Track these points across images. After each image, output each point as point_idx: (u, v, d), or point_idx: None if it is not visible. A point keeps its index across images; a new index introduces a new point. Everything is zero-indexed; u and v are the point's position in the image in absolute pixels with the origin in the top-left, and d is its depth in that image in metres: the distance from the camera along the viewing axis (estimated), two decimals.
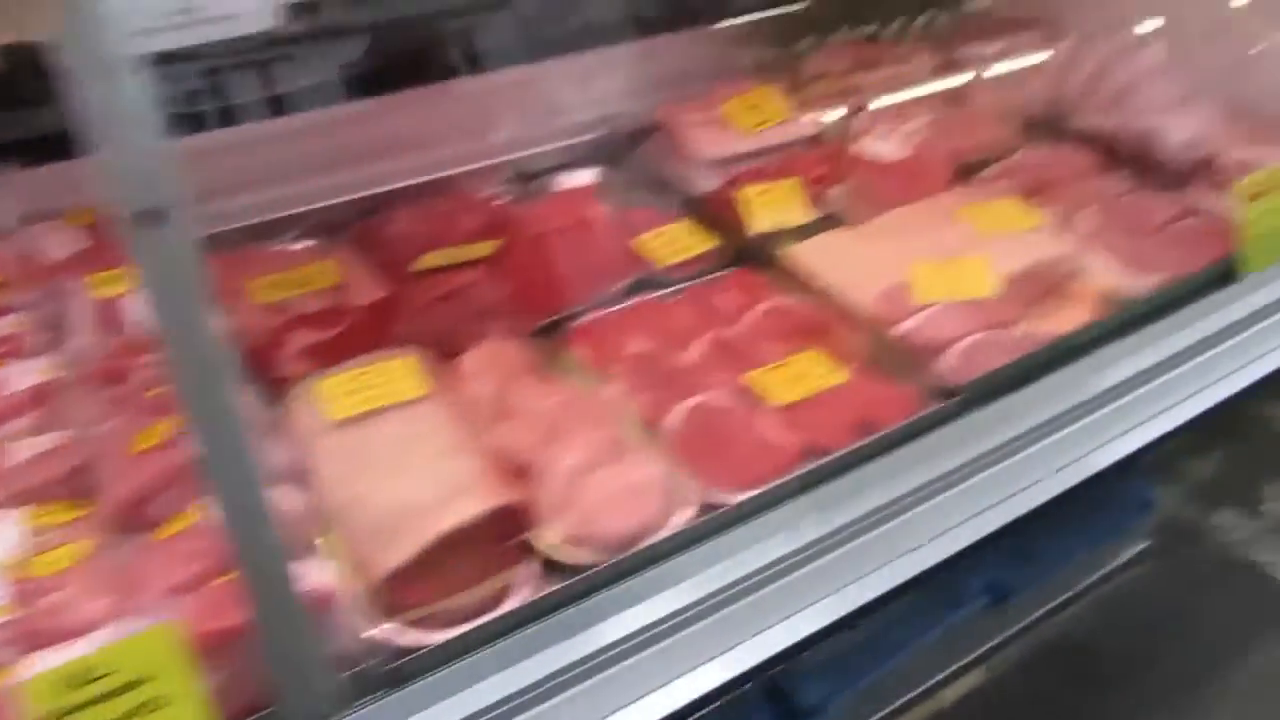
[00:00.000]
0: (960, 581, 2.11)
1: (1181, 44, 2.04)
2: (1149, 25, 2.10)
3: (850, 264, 1.54)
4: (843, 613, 1.23)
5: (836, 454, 1.25)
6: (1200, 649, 2.24)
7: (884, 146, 1.76)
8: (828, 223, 1.73)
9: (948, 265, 1.48)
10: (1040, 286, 1.52)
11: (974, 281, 1.45)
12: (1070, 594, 2.30)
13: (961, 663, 2.17)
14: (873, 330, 1.44)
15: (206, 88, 1.72)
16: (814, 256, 1.58)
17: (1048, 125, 1.99)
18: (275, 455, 1.15)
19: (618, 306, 1.54)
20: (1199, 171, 1.77)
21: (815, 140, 1.95)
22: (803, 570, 1.21)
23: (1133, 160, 1.91)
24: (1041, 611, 2.25)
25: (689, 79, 2.07)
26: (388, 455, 1.17)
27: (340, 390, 1.23)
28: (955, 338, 1.38)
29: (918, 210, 1.64)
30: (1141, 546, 2.35)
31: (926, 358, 1.39)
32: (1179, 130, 1.81)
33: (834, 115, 1.99)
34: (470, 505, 1.10)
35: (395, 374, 1.26)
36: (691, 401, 1.32)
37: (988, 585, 2.10)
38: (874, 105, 1.97)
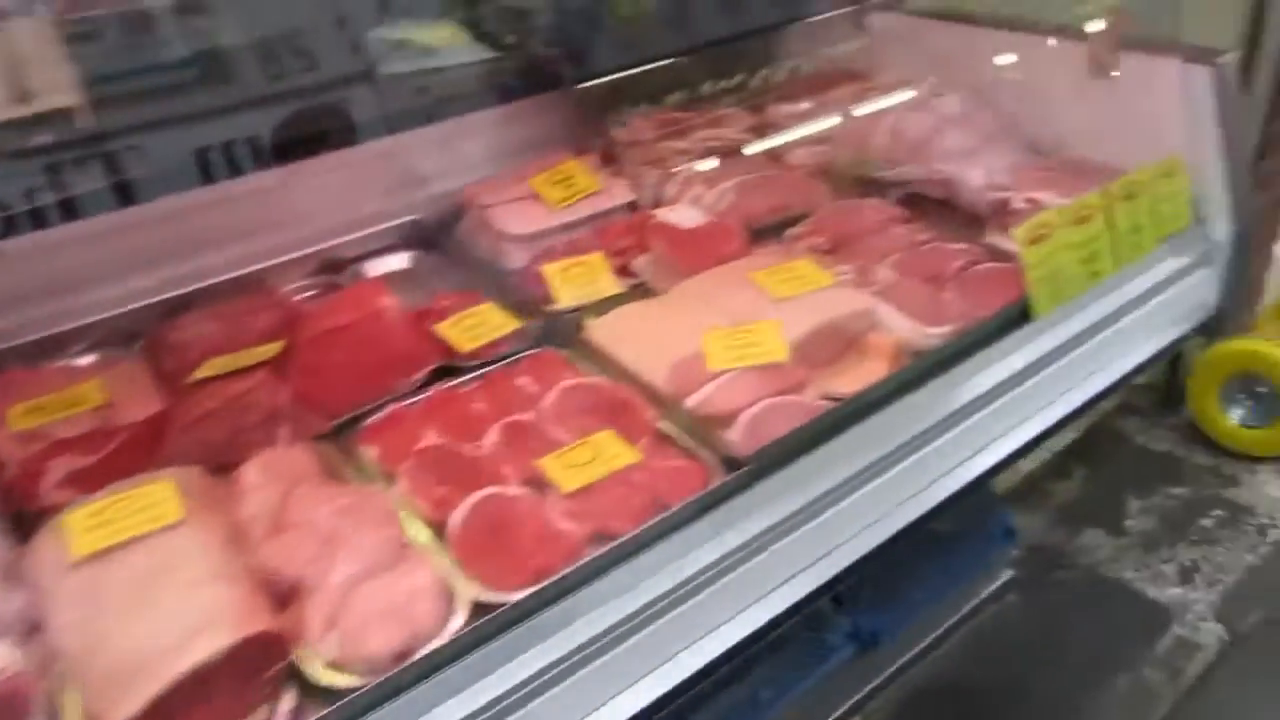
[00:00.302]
0: (825, 632, 2.10)
1: (983, 92, 2.11)
2: (951, 75, 2.16)
3: (646, 337, 1.53)
4: (637, 709, 1.20)
5: (623, 538, 1.22)
6: (1073, 673, 2.25)
7: (682, 214, 1.76)
8: (636, 294, 1.72)
9: (739, 332, 1.47)
10: (835, 344, 1.53)
11: (765, 346, 1.44)
12: (940, 632, 2.30)
13: (836, 714, 2.15)
14: (666, 404, 1.42)
15: None
16: (611, 331, 1.56)
17: (856, 179, 2.03)
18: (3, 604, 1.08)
19: (414, 399, 1.50)
20: (996, 215, 1.82)
21: (630, 209, 1.95)
22: (588, 666, 1.17)
23: (938, 208, 1.95)
24: (913, 653, 2.24)
25: (507, 154, 2.07)
26: (132, 591, 1.10)
27: (87, 523, 1.16)
28: (743, 406, 1.37)
29: (714, 276, 1.63)
30: (1007, 577, 2.37)
31: (717, 429, 1.37)
32: (974, 175, 1.85)
33: (647, 183, 2.00)
34: (212, 641, 1.03)
35: (150, 499, 1.20)
36: (477, 495, 1.28)
37: (852, 633, 2.08)
38: (685, 171, 1.98)
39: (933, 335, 1.53)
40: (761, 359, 1.43)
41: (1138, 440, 2.83)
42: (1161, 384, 2.89)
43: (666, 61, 2.19)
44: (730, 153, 2.08)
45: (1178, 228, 1.80)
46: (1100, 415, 2.89)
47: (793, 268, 1.61)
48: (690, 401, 1.39)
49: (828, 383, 1.47)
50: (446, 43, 2.03)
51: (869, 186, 2.02)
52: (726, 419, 1.37)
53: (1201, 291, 1.86)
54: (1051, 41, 2.02)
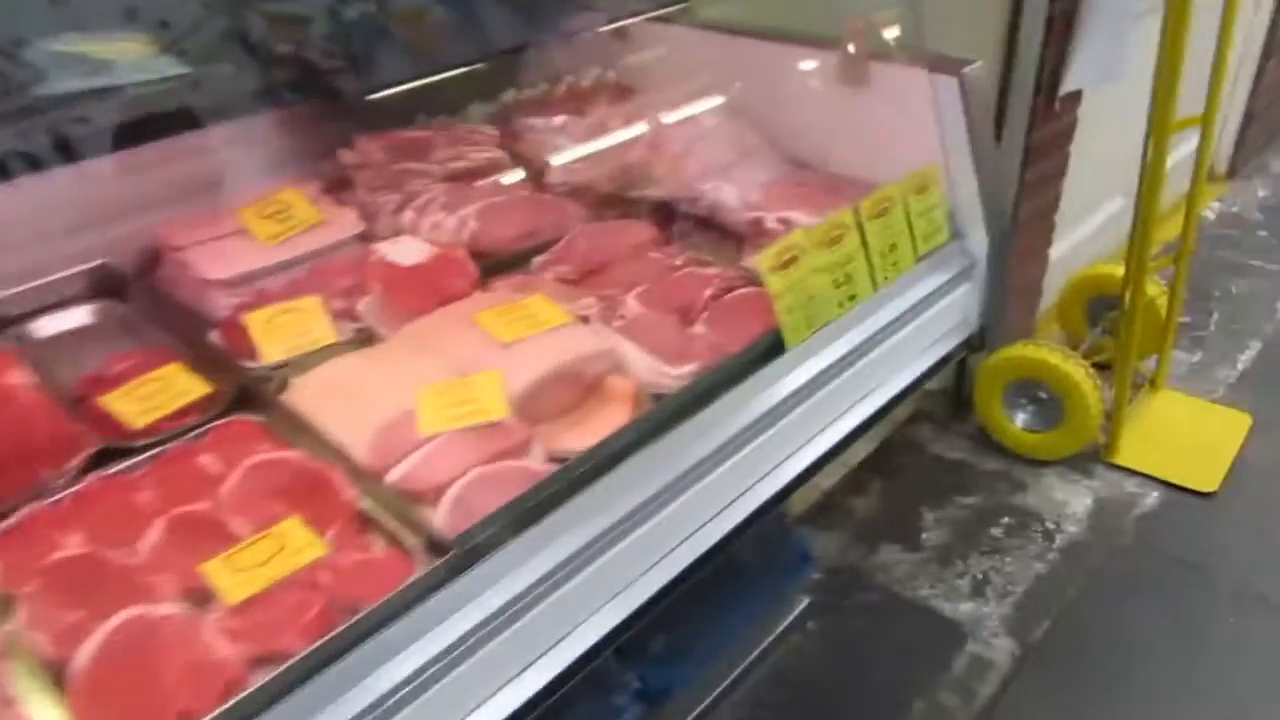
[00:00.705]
0: (611, 692, 1.94)
1: (745, 104, 2.00)
2: (714, 87, 2.05)
3: (354, 396, 1.32)
4: None
5: (295, 659, 1.01)
6: (873, 703, 2.18)
7: (406, 248, 1.55)
8: (359, 342, 1.50)
9: (456, 386, 1.29)
10: (570, 391, 1.36)
11: (482, 402, 1.26)
12: (738, 673, 2.18)
13: None
14: (367, 479, 1.21)
15: None
16: (315, 391, 1.34)
17: (614, 199, 1.88)
18: None
19: (60, 496, 1.23)
20: (752, 236, 1.70)
21: (361, 241, 1.73)
22: None
23: (703, 226, 1.83)
24: (709, 700, 2.12)
25: (225, 183, 1.80)
26: None
27: None
28: (450, 478, 1.18)
29: (439, 320, 1.44)
30: (805, 604, 2.28)
31: (423, 507, 1.18)
32: (729, 193, 1.73)
33: (383, 212, 1.78)
34: None
35: None
36: (114, 621, 1.04)
37: (640, 691, 1.93)
38: (423, 196, 1.78)
39: (677, 376, 1.39)
40: (478, 417, 1.24)
41: (932, 449, 2.83)
42: (952, 391, 2.91)
43: (418, 83, 2.00)
44: (477, 174, 1.90)
45: (936, 243, 1.74)
46: (895, 425, 2.87)
47: (525, 306, 1.43)
48: (392, 476, 1.19)
49: (559, 438, 1.30)
50: (131, 56, 1.75)
51: (629, 206, 1.88)
52: (432, 495, 1.17)
53: (964, 307, 1.81)
54: (811, 52, 1.94)
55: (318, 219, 1.70)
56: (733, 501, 1.39)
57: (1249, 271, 3.76)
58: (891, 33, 1.82)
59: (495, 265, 1.71)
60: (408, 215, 1.76)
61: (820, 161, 1.93)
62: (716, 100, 2.00)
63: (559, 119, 2.00)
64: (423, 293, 1.49)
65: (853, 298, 1.57)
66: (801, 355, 1.48)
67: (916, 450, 2.83)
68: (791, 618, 2.26)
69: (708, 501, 1.36)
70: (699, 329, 1.49)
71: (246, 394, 1.39)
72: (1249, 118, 4.38)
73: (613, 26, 2.26)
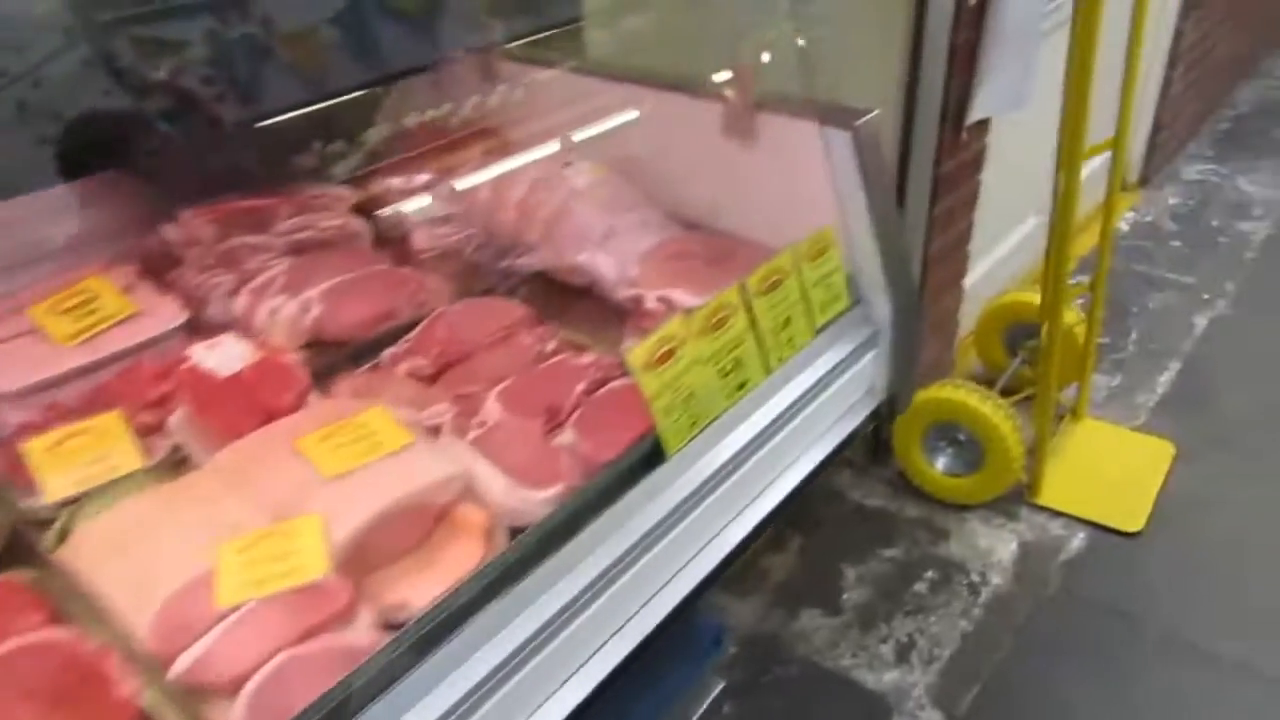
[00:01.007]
0: None
1: (631, 158, 1.82)
2: (596, 140, 1.86)
3: (143, 552, 1.10)
4: None
5: None
6: None
7: (224, 352, 1.33)
8: (169, 469, 1.28)
9: (267, 539, 1.08)
10: (412, 530, 1.16)
11: (298, 559, 1.05)
12: None
13: None
14: (149, 669, 1.00)
15: None
16: (97, 543, 1.12)
17: (484, 270, 1.69)
18: None
19: None
20: (633, 316, 1.52)
21: (185, 335, 1.50)
22: None
23: (582, 297, 1.65)
24: None
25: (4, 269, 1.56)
26: None
27: None
28: (251, 667, 0.97)
29: (257, 445, 1.22)
30: (720, 688, 2.11)
31: (218, 704, 0.97)
32: (606, 265, 1.55)
33: (213, 297, 1.55)
34: None
35: None
36: None
37: None
38: (261, 277, 1.56)
39: (540, 501, 1.20)
40: (291, 579, 1.03)
41: (852, 496, 2.69)
42: (871, 435, 2.77)
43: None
44: (327, 246, 1.68)
45: (836, 311, 1.58)
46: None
47: (360, 424, 1.22)
48: (178, 665, 0.98)
49: (394, 590, 1.10)
50: None
51: (501, 278, 1.69)
52: (229, 687, 0.97)
53: (871, 376, 1.65)
54: (699, 101, 1.76)
55: (130, 310, 1.47)
56: (610, 638, 1.20)
57: (1164, 284, 3.72)
58: (783, 77, 1.66)
59: (346, 356, 1.51)
60: (242, 300, 1.54)
61: (712, 219, 1.76)
62: (598, 153, 1.81)
63: (422, 177, 1.79)
64: (241, 409, 1.27)
65: (743, 386, 1.40)
66: (685, 461, 1.30)
67: (836, 499, 2.69)
68: (705, 705, 2.09)
69: (576, 648, 1.17)
70: (567, 436, 1.30)
71: (17, 545, 1.16)
72: (1158, 126, 4.36)
73: (498, 60, 2.08)
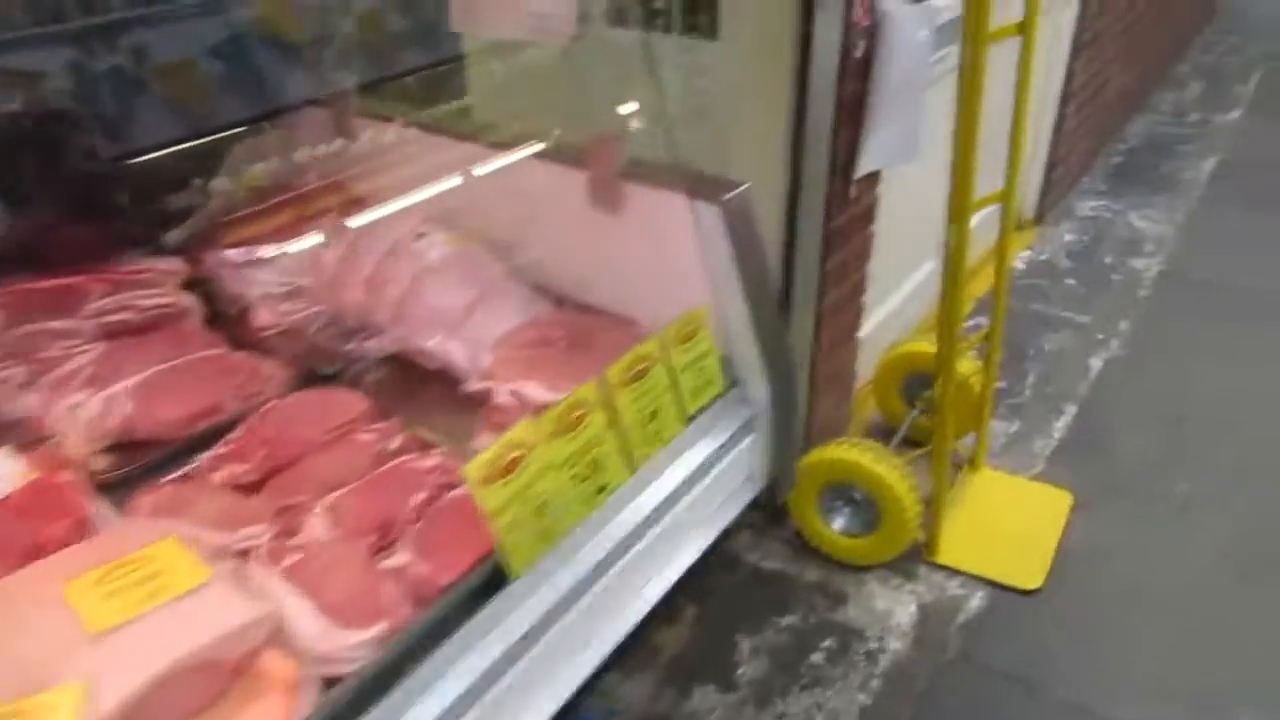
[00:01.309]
0: None
1: (492, 228, 1.69)
2: (454, 207, 1.73)
3: None
4: None
5: None
6: None
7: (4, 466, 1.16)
8: None
9: (13, 714, 0.91)
10: (202, 689, 1.00)
11: None
12: None
13: None
14: None
15: None
16: None
17: (328, 354, 1.53)
18: None
19: None
20: (486, 410, 1.39)
21: None
22: None
23: (440, 380, 1.51)
24: None
25: None
26: None
27: None
28: None
29: (17, 591, 1.04)
30: None
31: None
32: (457, 352, 1.42)
33: (3, 391, 1.37)
34: None
35: None
36: None
37: None
38: (64, 368, 1.38)
39: (356, 646, 1.05)
40: None
41: (749, 559, 2.58)
42: (767, 495, 2.68)
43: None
44: (147, 329, 1.51)
45: (709, 397, 1.47)
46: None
47: (147, 559, 1.05)
48: None
49: None
50: None
51: (346, 363, 1.54)
52: None
53: (749, 464, 1.55)
54: (566, 169, 1.64)
55: None
56: None
57: (1060, 325, 3.74)
58: (658, 145, 1.54)
59: (162, 459, 1.34)
60: (36, 396, 1.36)
61: (581, 293, 1.64)
62: (458, 220, 1.68)
63: (262, 250, 1.63)
64: (15, 534, 1.09)
65: (602, 489, 1.28)
66: (535, 580, 1.17)
67: (732, 563, 2.58)
68: None
69: None
70: (400, 557, 1.16)
71: None
72: (1052, 164, 4.42)
73: (352, 112, 1.93)
